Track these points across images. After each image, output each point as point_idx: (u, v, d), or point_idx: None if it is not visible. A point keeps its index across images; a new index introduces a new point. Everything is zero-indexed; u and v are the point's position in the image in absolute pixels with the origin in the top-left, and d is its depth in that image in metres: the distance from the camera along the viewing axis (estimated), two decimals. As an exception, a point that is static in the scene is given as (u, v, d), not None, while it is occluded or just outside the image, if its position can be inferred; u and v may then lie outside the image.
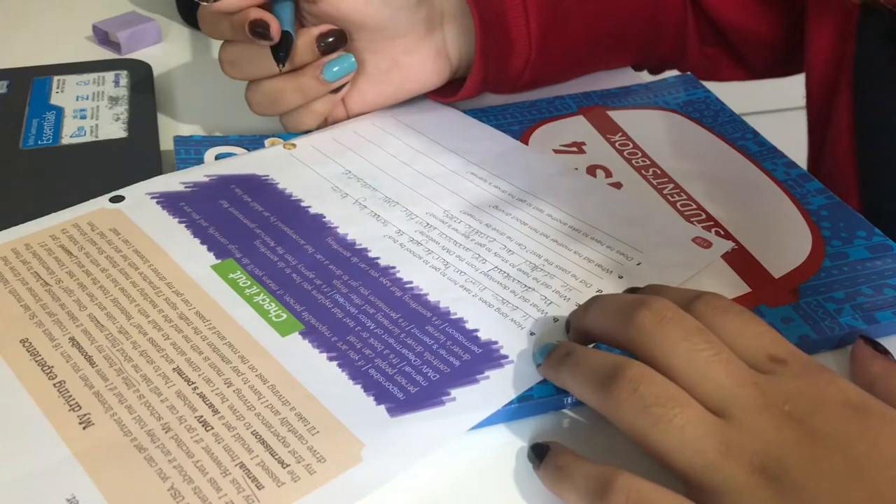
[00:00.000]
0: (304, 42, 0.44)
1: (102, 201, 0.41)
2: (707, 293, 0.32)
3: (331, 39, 0.44)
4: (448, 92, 0.50)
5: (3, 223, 0.40)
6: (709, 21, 0.56)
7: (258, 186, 0.43)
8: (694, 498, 0.27)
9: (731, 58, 0.58)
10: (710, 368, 0.28)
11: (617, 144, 0.47)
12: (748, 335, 0.30)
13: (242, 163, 0.45)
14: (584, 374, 0.30)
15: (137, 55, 0.58)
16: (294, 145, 0.47)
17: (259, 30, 0.42)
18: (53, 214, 0.40)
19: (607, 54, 0.54)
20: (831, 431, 0.27)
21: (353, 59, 0.45)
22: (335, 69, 0.45)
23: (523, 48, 0.48)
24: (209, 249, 0.39)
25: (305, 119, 0.47)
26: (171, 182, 0.43)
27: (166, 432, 0.30)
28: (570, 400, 0.33)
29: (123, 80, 0.52)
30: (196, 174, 0.44)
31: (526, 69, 0.49)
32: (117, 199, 0.41)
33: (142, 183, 0.43)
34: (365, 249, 0.40)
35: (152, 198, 0.42)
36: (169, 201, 0.42)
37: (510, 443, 0.32)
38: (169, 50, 0.59)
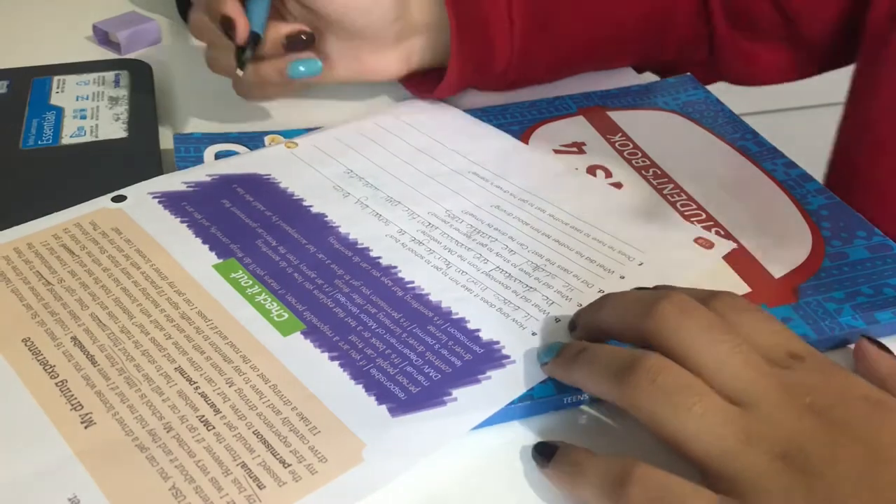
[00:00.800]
0: (273, 38, 0.45)
1: (104, 201, 0.41)
2: (723, 292, 0.32)
3: (303, 38, 0.45)
4: (425, 87, 0.51)
5: (3, 223, 0.40)
6: None
7: (260, 186, 0.43)
8: (711, 486, 0.27)
9: (777, 38, 0.53)
10: (731, 359, 0.28)
11: (617, 145, 0.47)
12: (765, 333, 0.30)
13: (244, 162, 0.45)
14: (600, 369, 0.30)
15: (137, 55, 0.58)
16: (295, 144, 0.47)
17: (226, 27, 0.43)
18: (55, 214, 0.40)
19: (605, 58, 0.54)
20: (851, 422, 0.27)
21: (320, 65, 0.46)
22: (301, 69, 0.46)
23: (504, 55, 0.49)
24: (211, 249, 0.39)
25: (253, 93, 0.48)
26: (173, 181, 0.43)
27: (168, 432, 0.30)
28: (569, 400, 0.33)
29: (123, 80, 0.52)
30: (198, 174, 0.44)
31: (508, 71, 0.50)
32: (119, 199, 0.41)
33: (144, 183, 0.43)
34: (367, 249, 0.40)
35: (154, 197, 0.42)
36: (171, 201, 0.42)
37: (510, 443, 0.32)
38: (169, 50, 0.59)
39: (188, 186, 0.43)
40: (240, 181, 0.44)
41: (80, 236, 0.39)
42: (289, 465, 0.29)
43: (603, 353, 0.31)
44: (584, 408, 0.33)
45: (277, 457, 0.30)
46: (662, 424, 0.28)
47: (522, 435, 0.32)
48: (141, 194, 0.42)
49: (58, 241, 0.39)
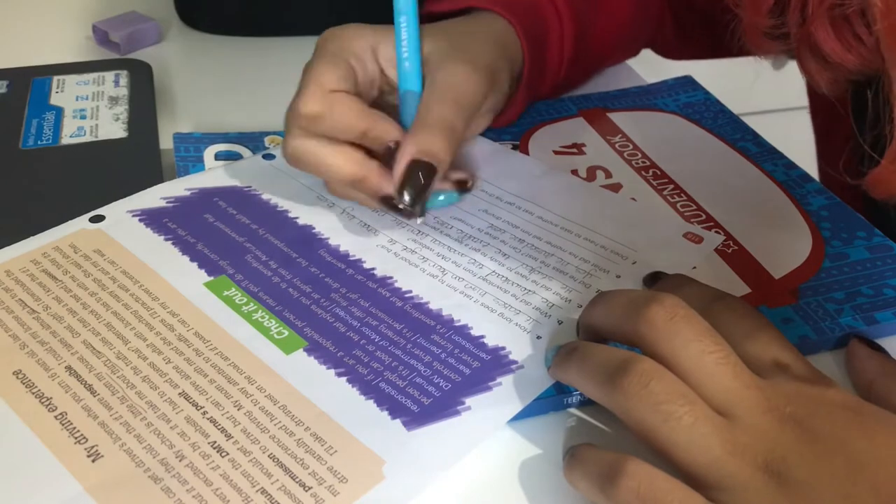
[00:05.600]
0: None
1: (82, 222, 0.40)
2: (729, 296, 0.32)
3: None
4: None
5: (2, 223, 0.39)
6: None
7: (242, 198, 0.42)
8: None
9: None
10: (719, 370, 0.29)
11: (617, 146, 0.47)
12: (755, 341, 0.31)
13: (222, 174, 0.44)
14: (592, 369, 0.30)
15: (137, 55, 0.57)
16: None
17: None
18: (31, 238, 0.39)
19: (617, 57, 0.55)
20: (830, 432, 0.27)
21: (457, 195, 0.42)
22: (441, 198, 0.42)
23: (552, 77, 0.49)
24: (200, 266, 0.38)
25: (351, 196, 0.41)
26: (152, 197, 0.42)
27: (180, 460, 0.29)
28: (569, 401, 0.33)
29: (123, 80, 0.52)
30: (176, 188, 0.43)
31: (556, 89, 0.50)
32: (97, 219, 0.40)
33: (121, 200, 0.41)
34: (360, 260, 0.39)
35: (134, 215, 0.40)
36: (151, 218, 0.40)
37: (510, 443, 0.32)
38: (169, 50, 0.59)
39: (167, 202, 0.42)
40: (220, 194, 0.42)
41: (62, 260, 0.38)
42: (309, 489, 0.29)
43: (595, 353, 0.31)
44: (585, 409, 0.33)
45: (297, 480, 0.29)
46: (651, 431, 0.28)
47: (521, 435, 0.32)
48: (119, 213, 0.41)
49: (38, 267, 0.37)
